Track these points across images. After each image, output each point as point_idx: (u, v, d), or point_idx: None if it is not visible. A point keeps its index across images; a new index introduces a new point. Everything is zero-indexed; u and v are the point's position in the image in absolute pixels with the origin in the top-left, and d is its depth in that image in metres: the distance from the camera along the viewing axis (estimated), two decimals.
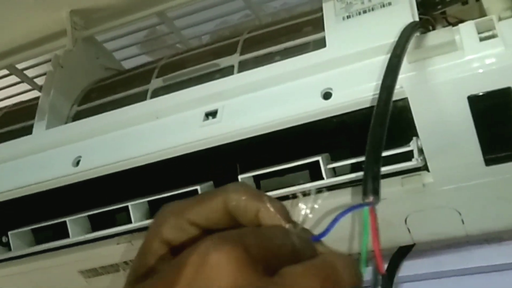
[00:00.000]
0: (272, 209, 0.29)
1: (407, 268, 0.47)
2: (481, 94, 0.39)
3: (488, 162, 0.40)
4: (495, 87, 0.38)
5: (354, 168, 0.44)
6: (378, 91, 0.39)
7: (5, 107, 0.61)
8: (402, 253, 0.48)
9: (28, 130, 0.53)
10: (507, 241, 0.45)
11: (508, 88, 0.38)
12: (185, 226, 0.30)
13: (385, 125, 0.33)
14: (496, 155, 0.40)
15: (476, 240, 0.46)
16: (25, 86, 0.64)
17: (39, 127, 0.51)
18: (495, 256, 0.45)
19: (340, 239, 0.30)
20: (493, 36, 0.39)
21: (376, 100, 0.37)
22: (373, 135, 0.33)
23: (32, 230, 0.52)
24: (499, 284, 0.45)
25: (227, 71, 0.48)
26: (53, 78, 0.53)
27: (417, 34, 0.41)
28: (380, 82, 0.37)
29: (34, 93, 0.64)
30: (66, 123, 0.53)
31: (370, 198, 0.29)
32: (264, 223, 0.29)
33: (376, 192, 0.30)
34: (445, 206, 0.43)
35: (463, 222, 0.44)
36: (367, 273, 0.27)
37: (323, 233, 0.28)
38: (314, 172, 0.45)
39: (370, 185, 0.30)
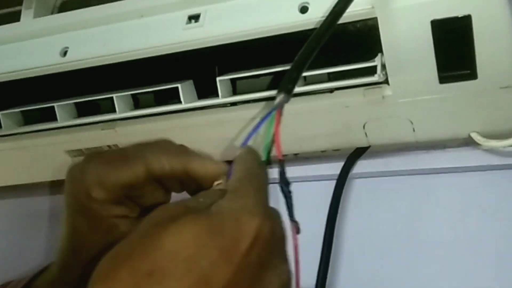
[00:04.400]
0: (201, 158, 0.34)
1: (362, 166, 0.54)
2: (443, 19, 0.42)
3: (442, 80, 0.45)
4: (457, 13, 0.42)
5: (322, 77, 0.48)
6: (352, 8, 0.42)
7: None
8: (358, 153, 0.54)
9: (14, 16, 0.55)
10: (450, 148, 0.51)
11: (469, 15, 0.42)
12: (112, 191, 0.34)
13: (319, 44, 0.39)
14: (449, 75, 0.45)
15: (424, 146, 0.52)
16: None
17: (26, 15, 0.53)
18: (438, 161, 0.51)
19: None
20: None
21: (346, 18, 0.41)
22: (306, 48, 0.38)
23: (22, 111, 0.56)
24: (439, 184, 0.52)
25: None
26: None
27: None
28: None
29: None
30: (52, 13, 0.55)
31: (281, 96, 0.35)
32: (196, 175, 0.34)
33: (288, 91, 0.35)
34: (400, 116, 0.48)
35: (414, 130, 0.49)
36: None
37: (247, 139, 0.34)
38: None
39: (285, 85, 0.36)
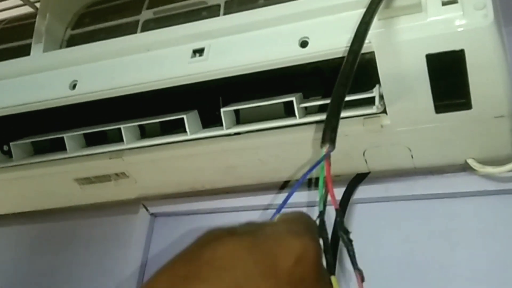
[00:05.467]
0: None
1: (362, 191, 0.55)
2: (438, 53, 0.44)
3: (438, 110, 0.47)
4: (451, 48, 0.43)
5: (323, 108, 0.50)
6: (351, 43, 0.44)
7: None
8: (359, 179, 0.56)
9: (24, 50, 0.57)
10: (448, 173, 0.53)
11: (462, 50, 0.43)
12: None
13: (348, 85, 0.38)
14: (445, 105, 0.47)
15: (422, 172, 0.53)
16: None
17: (36, 49, 0.55)
18: (437, 186, 0.53)
19: None
20: (454, 2, 0.43)
21: (345, 53, 0.42)
22: (336, 93, 0.38)
23: (32, 141, 0.58)
24: (438, 209, 0.53)
25: (213, 9, 0.52)
26: (49, 1, 0.56)
27: None
28: (353, 34, 0.42)
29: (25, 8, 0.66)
30: (61, 46, 0.57)
31: (327, 146, 0.34)
32: None
33: (332, 141, 0.35)
34: (398, 144, 0.50)
35: (412, 157, 0.51)
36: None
37: (288, 197, 0.34)
38: (288, 108, 0.51)
39: (328, 135, 0.35)
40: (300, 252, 0.28)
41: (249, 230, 0.30)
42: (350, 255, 0.32)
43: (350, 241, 0.32)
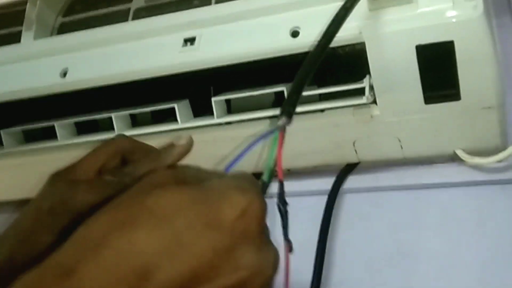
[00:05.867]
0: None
1: (352, 181, 0.56)
2: (428, 44, 0.44)
3: (427, 100, 0.47)
4: (441, 39, 0.44)
5: (314, 98, 0.50)
6: (341, 34, 0.44)
7: None
8: (349, 169, 0.56)
9: (14, 37, 0.56)
10: (437, 164, 0.54)
11: (452, 41, 0.44)
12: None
13: (314, 66, 0.38)
14: (434, 96, 0.47)
15: (411, 162, 0.54)
16: None
17: (27, 36, 0.55)
18: (426, 176, 0.53)
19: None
20: None
21: (335, 43, 0.42)
22: (301, 72, 0.38)
23: (23, 130, 0.58)
24: (426, 199, 0.54)
25: None
26: None
27: None
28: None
29: None
30: (51, 33, 0.56)
31: (283, 118, 0.35)
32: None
33: (289, 116, 0.35)
34: (388, 134, 0.50)
35: (401, 148, 0.51)
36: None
37: (236, 159, 0.34)
38: (278, 97, 0.51)
39: (286, 109, 0.36)
40: (244, 206, 0.28)
41: (196, 180, 0.30)
42: (283, 226, 0.33)
43: (287, 212, 0.33)
